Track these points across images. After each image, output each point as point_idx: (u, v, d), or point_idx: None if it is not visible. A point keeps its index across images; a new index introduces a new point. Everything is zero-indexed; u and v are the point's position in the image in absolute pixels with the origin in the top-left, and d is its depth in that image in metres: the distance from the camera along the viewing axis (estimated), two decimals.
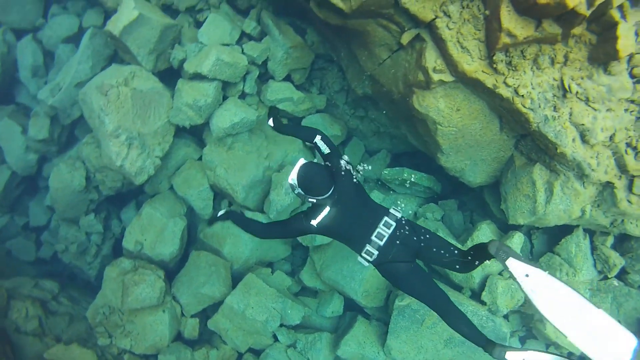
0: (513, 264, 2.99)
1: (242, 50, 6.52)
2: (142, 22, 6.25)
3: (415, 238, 3.37)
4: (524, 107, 4.71)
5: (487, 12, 4.50)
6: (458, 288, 6.10)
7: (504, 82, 4.71)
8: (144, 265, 6.49)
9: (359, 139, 7.27)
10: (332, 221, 3.34)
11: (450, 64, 4.79)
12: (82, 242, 7.61)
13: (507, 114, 5.03)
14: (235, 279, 6.61)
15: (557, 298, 2.91)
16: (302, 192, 3.35)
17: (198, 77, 6.25)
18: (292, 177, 3.36)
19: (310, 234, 3.61)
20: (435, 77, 4.91)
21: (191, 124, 6.36)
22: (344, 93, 7.01)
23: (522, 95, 4.69)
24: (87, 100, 6.41)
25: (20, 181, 8.22)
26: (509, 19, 4.33)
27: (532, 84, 4.70)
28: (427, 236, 3.44)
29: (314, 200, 3.35)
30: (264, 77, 6.84)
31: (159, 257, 6.58)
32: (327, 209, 3.32)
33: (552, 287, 2.94)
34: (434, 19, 4.67)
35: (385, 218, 3.38)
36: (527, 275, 2.96)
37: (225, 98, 6.52)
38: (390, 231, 3.31)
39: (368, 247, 3.30)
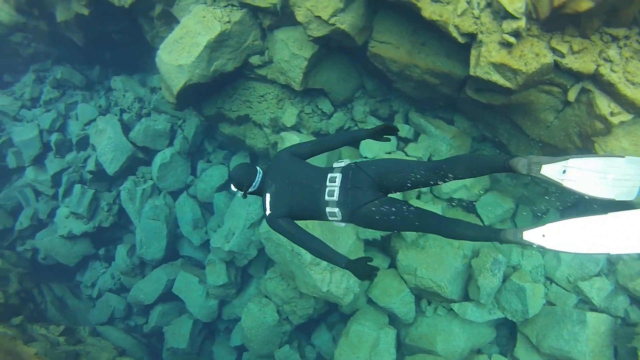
0: (549, 170, 2.69)
1: (406, 154, 6.82)
2: None
3: (364, 174, 3.11)
4: None
5: None
6: None
7: None
8: None
9: (525, 205, 7.32)
10: (279, 203, 3.23)
11: (626, 103, 4.87)
12: None
13: None
14: None
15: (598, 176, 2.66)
16: (241, 190, 3.35)
17: None
18: (231, 184, 3.42)
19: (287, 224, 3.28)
20: (615, 120, 4.97)
21: (382, 235, 6.58)
22: None
23: None
24: (272, 237, 6.73)
25: (201, 328, 8.56)
26: None
27: None
28: (379, 164, 3.20)
29: (253, 191, 3.34)
30: None
31: None
32: (268, 195, 3.26)
33: (590, 167, 2.67)
34: (597, 68, 4.83)
35: (329, 174, 3.19)
36: (564, 172, 2.68)
37: None
38: (337, 183, 3.10)
39: (327, 209, 3.11)
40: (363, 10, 6.10)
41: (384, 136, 3.24)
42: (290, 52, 6.75)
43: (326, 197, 3.10)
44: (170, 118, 9.06)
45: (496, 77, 5.16)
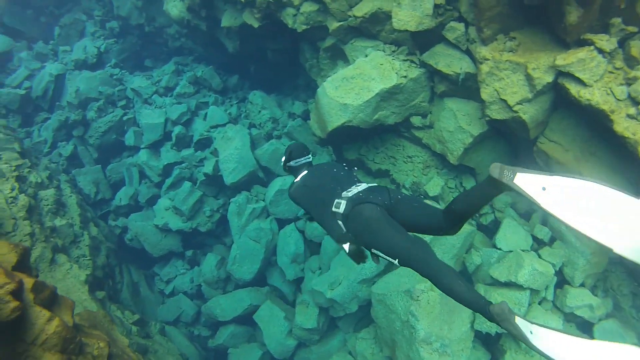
0: (524, 180, 2.25)
1: (539, 256, 6.60)
2: None
3: (386, 191, 3.23)
4: None
5: None
6: None
7: None
8: None
9: None
10: (308, 180, 3.65)
11: None
12: None
13: None
14: None
15: (586, 202, 2.12)
16: (287, 161, 3.88)
17: (508, 284, 6.31)
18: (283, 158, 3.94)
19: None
20: None
21: (497, 331, 6.31)
22: (631, 296, 6.82)
23: None
24: (387, 302, 6.58)
25: None
26: None
27: None
28: (403, 194, 3.28)
29: (295, 164, 3.85)
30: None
31: None
32: (305, 171, 3.76)
33: (576, 190, 2.16)
34: None
35: (357, 182, 3.49)
36: (544, 189, 2.22)
37: None
38: (360, 188, 3.29)
39: (337, 200, 3.29)
40: (547, 106, 6.02)
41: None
42: (456, 124, 6.71)
43: (343, 194, 3.30)
44: None
45: None
